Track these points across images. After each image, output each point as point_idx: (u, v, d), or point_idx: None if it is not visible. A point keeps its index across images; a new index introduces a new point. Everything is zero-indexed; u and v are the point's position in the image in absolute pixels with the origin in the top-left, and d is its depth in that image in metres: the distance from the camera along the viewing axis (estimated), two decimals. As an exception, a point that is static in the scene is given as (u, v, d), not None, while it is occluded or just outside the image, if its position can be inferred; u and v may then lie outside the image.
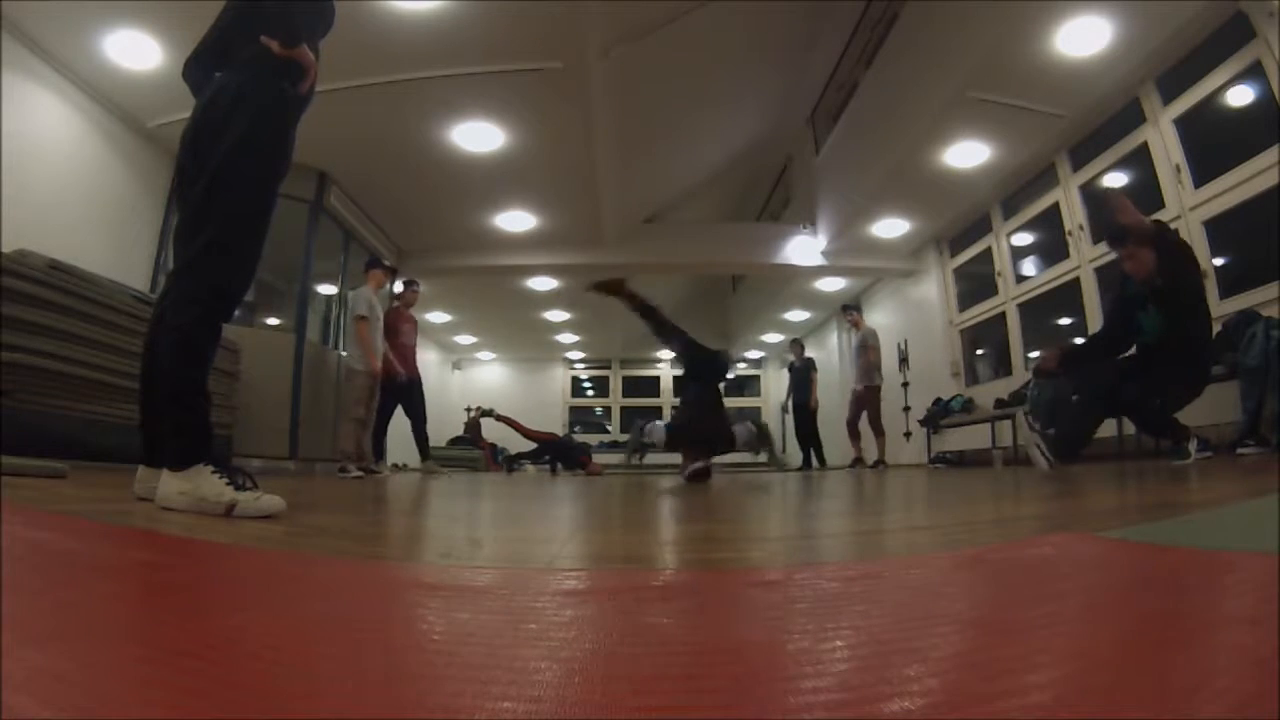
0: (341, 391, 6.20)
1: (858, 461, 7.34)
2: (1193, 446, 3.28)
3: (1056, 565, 0.85)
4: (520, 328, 12.88)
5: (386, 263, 6.18)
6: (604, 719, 0.35)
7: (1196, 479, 2.37)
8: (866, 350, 7.31)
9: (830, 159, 7.90)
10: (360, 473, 5.28)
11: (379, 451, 5.89)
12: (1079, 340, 5.16)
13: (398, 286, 6.61)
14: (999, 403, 6.72)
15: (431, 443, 6.40)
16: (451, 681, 0.41)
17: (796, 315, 11.64)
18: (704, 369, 4.41)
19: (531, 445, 8.23)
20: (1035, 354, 6.24)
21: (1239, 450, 3.73)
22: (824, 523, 1.70)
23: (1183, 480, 2.35)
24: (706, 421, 4.21)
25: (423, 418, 6.05)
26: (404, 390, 5.90)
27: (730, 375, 4.97)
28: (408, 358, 5.98)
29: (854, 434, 7.37)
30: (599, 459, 8.00)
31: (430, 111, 5.82)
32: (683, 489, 3.30)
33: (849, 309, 8.01)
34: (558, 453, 8.01)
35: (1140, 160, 5.32)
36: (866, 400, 7.28)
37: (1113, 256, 3.93)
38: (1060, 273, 6.27)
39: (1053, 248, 6.44)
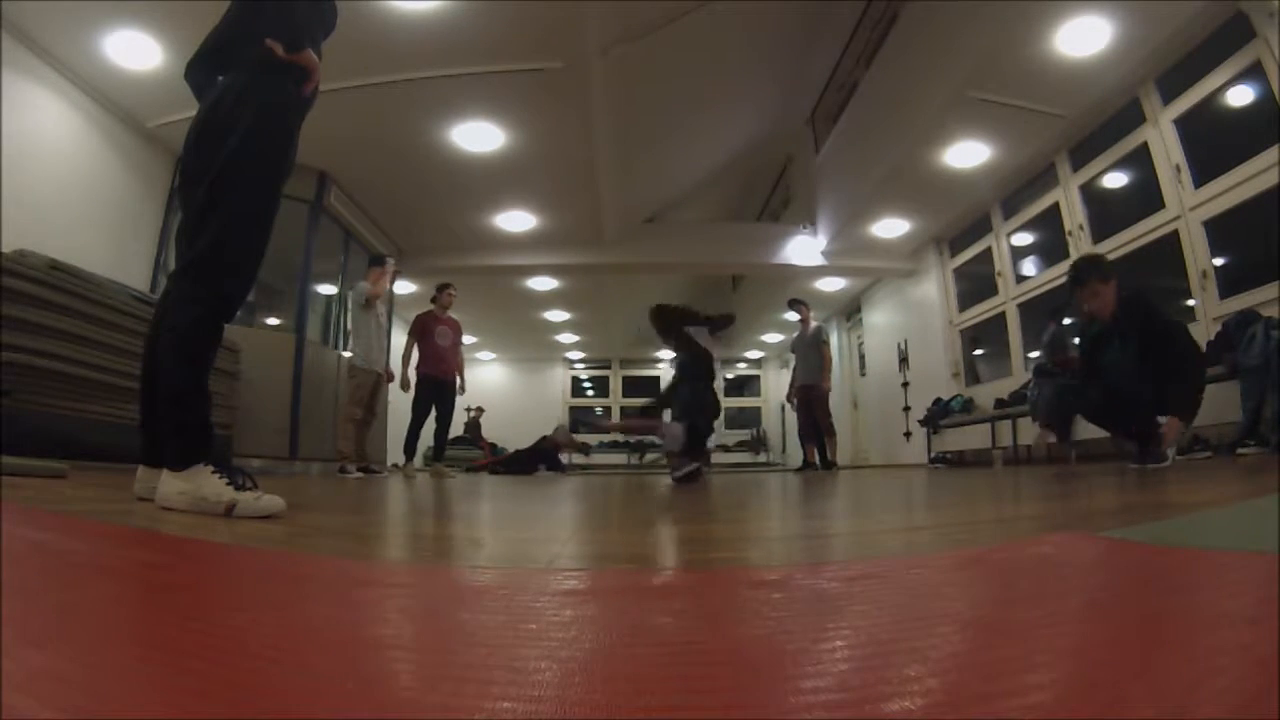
0: (340, 391, 6.20)
1: (808, 465, 6.98)
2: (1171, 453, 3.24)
3: (1056, 565, 0.85)
4: (520, 328, 12.89)
5: (389, 260, 6.16)
6: (604, 719, 0.35)
7: (1194, 482, 2.37)
8: (821, 346, 6.95)
9: (830, 159, 7.90)
10: (360, 473, 5.29)
11: (410, 450, 5.91)
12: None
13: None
14: (999, 403, 6.73)
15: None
16: (451, 681, 0.41)
17: (796, 315, 11.64)
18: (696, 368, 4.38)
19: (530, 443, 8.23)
20: (1035, 354, 6.23)
21: (1239, 450, 3.73)
22: (823, 522, 1.70)
23: (1180, 481, 2.35)
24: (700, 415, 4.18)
25: (448, 421, 6.06)
26: (439, 390, 5.92)
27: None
28: (442, 358, 5.97)
29: (810, 435, 6.98)
30: (600, 459, 7.99)
31: (430, 111, 5.83)
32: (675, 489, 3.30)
33: (797, 303, 7.32)
34: (515, 465, 7.86)
35: (1140, 160, 5.32)
36: (818, 399, 6.88)
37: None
38: (1060, 273, 6.26)
39: (1053, 248, 6.44)
